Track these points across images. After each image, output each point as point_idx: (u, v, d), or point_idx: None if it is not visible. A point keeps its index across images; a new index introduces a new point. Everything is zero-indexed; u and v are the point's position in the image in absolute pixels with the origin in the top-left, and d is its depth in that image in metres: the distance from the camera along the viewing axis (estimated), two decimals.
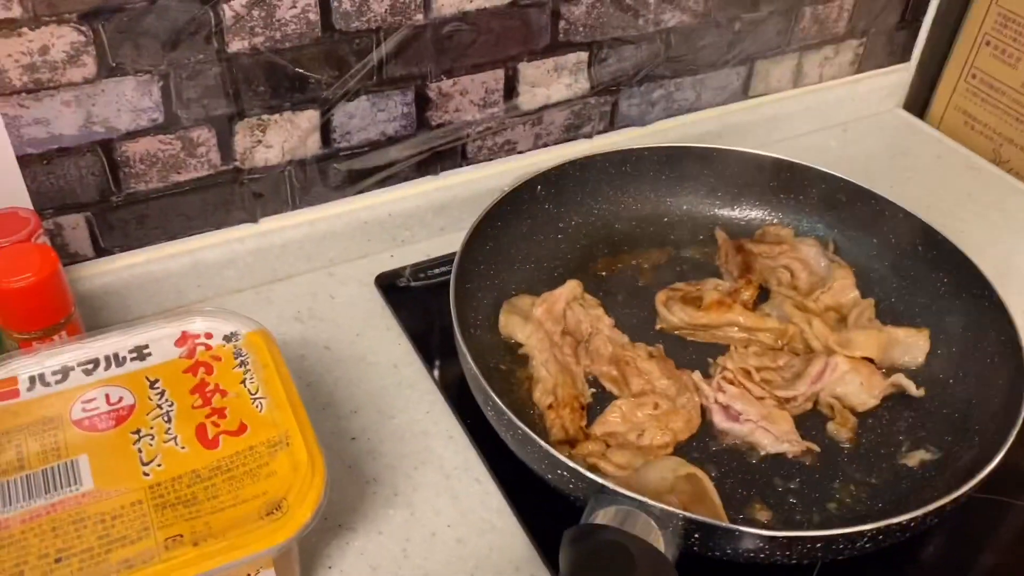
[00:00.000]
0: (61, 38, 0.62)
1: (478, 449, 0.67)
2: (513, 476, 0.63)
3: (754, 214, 0.86)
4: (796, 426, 0.66)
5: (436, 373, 0.73)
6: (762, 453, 0.65)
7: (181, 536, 0.46)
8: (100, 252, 0.73)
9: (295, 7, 0.69)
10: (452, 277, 0.69)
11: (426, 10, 0.75)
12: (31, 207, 0.68)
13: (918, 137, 1.07)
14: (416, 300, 0.81)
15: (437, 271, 0.83)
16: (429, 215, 0.86)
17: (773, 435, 0.64)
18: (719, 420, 0.66)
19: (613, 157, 0.84)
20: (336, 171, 0.79)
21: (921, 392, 0.69)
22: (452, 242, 0.84)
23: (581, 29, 0.83)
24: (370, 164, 0.81)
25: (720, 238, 0.83)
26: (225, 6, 0.66)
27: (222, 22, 0.67)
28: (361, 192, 0.82)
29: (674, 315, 0.74)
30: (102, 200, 0.71)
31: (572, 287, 0.75)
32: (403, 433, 0.68)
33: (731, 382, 0.67)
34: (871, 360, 0.70)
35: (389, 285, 0.81)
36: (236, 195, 0.76)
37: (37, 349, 0.55)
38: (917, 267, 0.79)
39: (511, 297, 0.76)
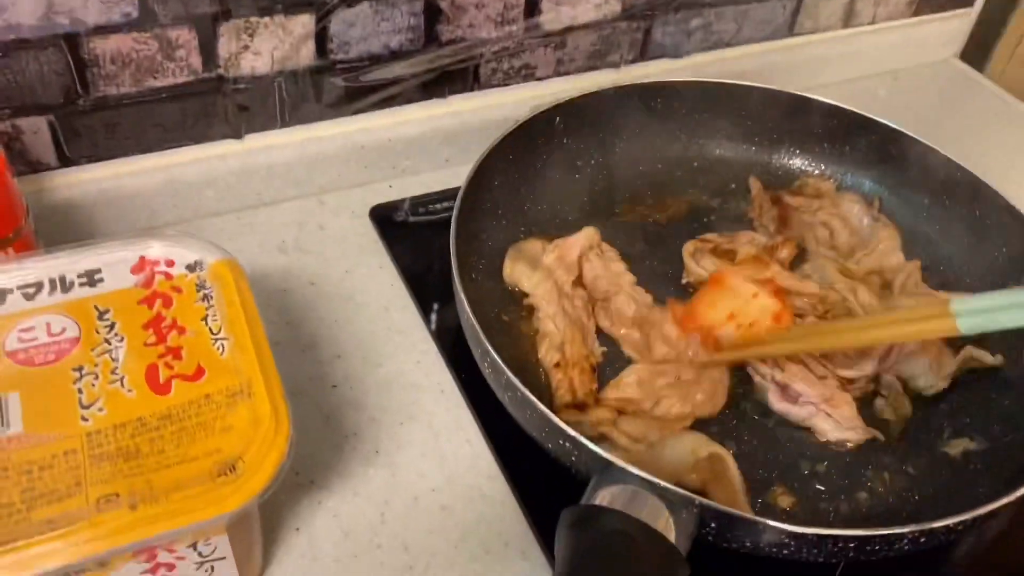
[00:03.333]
0: None
1: (472, 407, 0.60)
2: (509, 440, 0.57)
3: (794, 163, 0.78)
4: None
5: (431, 319, 0.66)
6: (822, 440, 0.58)
7: (117, 495, 0.40)
8: (65, 162, 0.66)
9: None
10: (454, 214, 0.62)
11: None
12: None
13: (976, 91, 0.98)
14: (414, 237, 0.73)
15: (439, 206, 0.75)
16: (434, 143, 0.78)
17: (835, 420, 0.57)
18: (775, 400, 0.59)
19: (643, 90, 0.76)
20: (332, 86, 0.71)
21: (999, 360, 0.62)
22: (458, 175, 0.76)
23: None
24: (370, 80, 0.72)
25: (755, 187, 0.75)
26: None
27: None
28: (359, 112, 0.74)
29: (703, 268, 0.67)
30: (67, 103, 0.63)
31: (589, 234, 0.68)
32: (390, 384, 0.62)
33: (791, 358, 0.60)
34: None
35: (385, 218, 0.74)
36: (219, 107, 0.68)
37: None
38: (970, 232, 0.71)
39: (519, 241, 0.68)
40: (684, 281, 0.68)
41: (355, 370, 0.62)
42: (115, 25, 0.61)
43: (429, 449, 0.58)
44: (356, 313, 0.66)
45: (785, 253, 0.69)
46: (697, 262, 0.67)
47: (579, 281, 0.66)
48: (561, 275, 0.65)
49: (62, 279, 0.49)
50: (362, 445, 0.58)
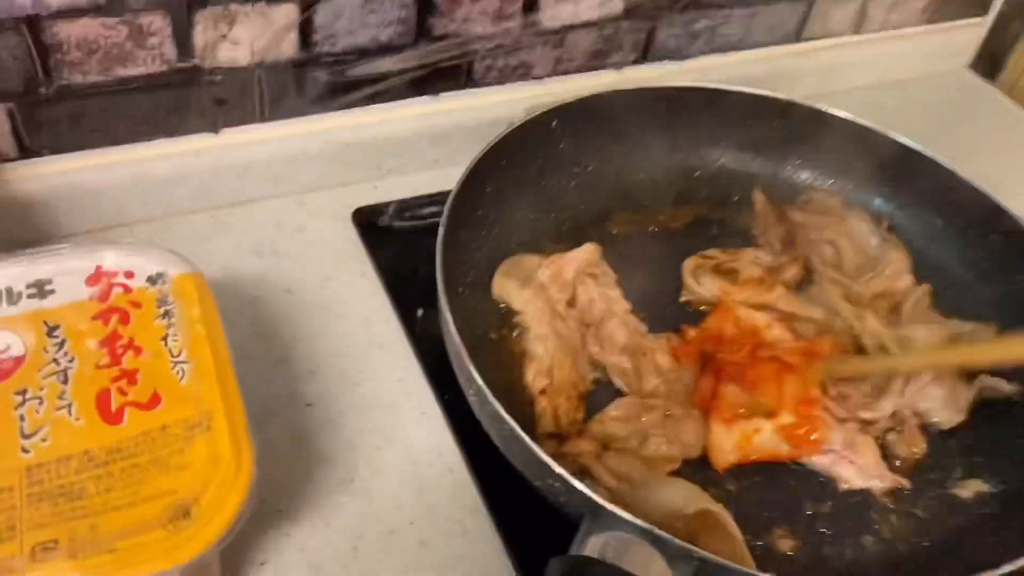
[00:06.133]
0: None
1: (455, 432, 0.56)
2: (495, 469, 0.52)
3: (800, 176, 0.74)
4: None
5: (414, 334, 0.62)
6: (844, 487, 0.54)
7: (56, 543, 0.36)
8: (25, 153, 0.61)
9: None
10: (442, 224, 0.57)
11: None
12: None
13: (988, 103, 0.94)
14: (399, 243, 0.69)
15: (426, 211, 0.70)
16: (422, 143, 0.73)
17: (858, 467, 0.53)
18: None
19: (645, 94, 0.71)
20: (315, 80, 0.67)
21: (1015, 388, 0.58)
22: (446, 178, 0.72)
23: None
24: (356, 75, 0.68)
25: (758, 201, 0.71)
26: None
27: None
28: (343, 108, 0.69)
29: (703, 287, 0.63)
30: (28, 91, 0.58)
31: (589, 252, 0.64)
32: (368, 403, 0.58)
33: None
34: None
35: (368, 223, 0.70)
36: (194, 99, 0.64)
37: None
38: (984, 254, 0.67)
39: (510, 252, 0.64)
40: (683, 300, 0.64)
41: (332, 387, 0.58)
42: (81, 8, 0.56)
43: (408, 477, 0.54)
44: (334, 325, 0.62)
45: (790, 274, 0.65)
46: (697, 280, 0.64)
47: (573, 301, 0.62)
48: (554, 293, 0.61)
49: (9, 290, 0.44)
50: (336, 471, 0.54)
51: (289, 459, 0.54)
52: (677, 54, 0.81)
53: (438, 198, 0.71)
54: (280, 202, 0.70)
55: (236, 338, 0.57)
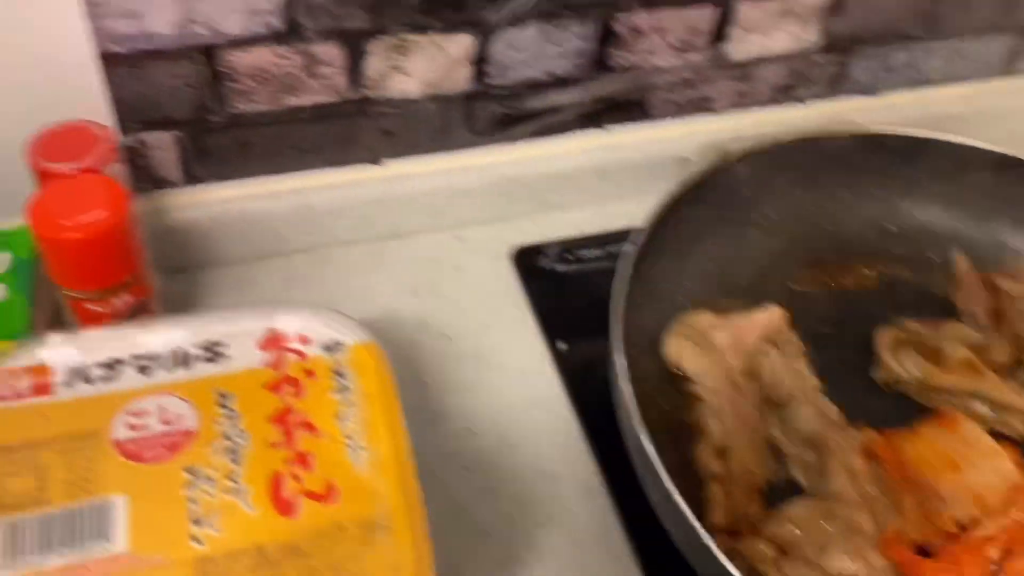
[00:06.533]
0: None
1: (620, 514, 0.52)
2: (665, 557, 0.48)
3: (1010, 240, 0.66)
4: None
5: (574, 391, 0.58)
6: None
7: None
8: (190, 180, 0.60)
9: None
10: (620, 280, 0.53)
11: None
12: (110, 118, 0.54)
13: None
14: (560, 288, 0.65)
15: (591, 254, 0.66)
16: (588, 178, 0.69)
17: None
18: None
19: (835, 139, 0.65)
20: (483, 113, 0.63)
21: None
22: (611, 215, 0.69)
23: None
24: (526, 108, 0.64)
25: (961, 266, 0.64)
26: None
27: None
28: (509, 141, 0.65)
29: (902, 366, 0.56)
30: (198, 119, 0.57)
31: (773, 317, 0.58)
32: (527, 471, 0.54)
33: None
34: None
35: (529, 264, 0.66)
36: (360, 130, 0.61)
37: (80, 332, 0.42)
38: None
39: (680, 307, 0.59)
40: (877, 377, 0.58)
41: (489, 449, 0.55)
42: (257, 37, 0.54)
43: (570, 562, 0.50)
44: (491, 378, 0.58)
45: (1001, 356, 0.58)
46: (896, 358, 0.57)
47: (753, 372, 0.57)
48: (733, 361, 0.56)
49: (183, 353, 0.42)
50: (495, 548, 0.50)
51: (446, 531, 0.50)
52: (869, 88, 0.73)
53: (603, 239, 0.68)
54: (439, 236, 0.67)
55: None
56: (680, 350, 0.57)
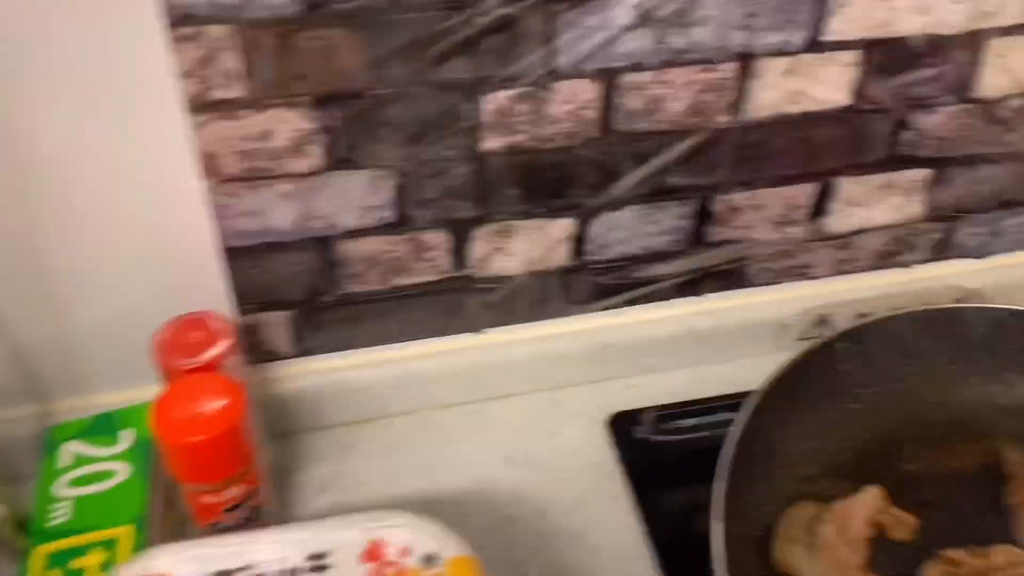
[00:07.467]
0: (286, 123, 0.51)
1: None
2: None
3: None
4: None
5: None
6: None
7: None
8: (301, 352, 0.63)
9: (570, 102, 0.54)
10: (719, 481, 0.52)
11: (735, 111, 0.57)
12: (229, 305, 0.57)
13: None
14: (657, 460, 0.64)
15: (688, 423, 0.66)
16: (685, 343, 0.69)
17: None
18: None
19: (940, 316, 0.63)
20: (582, 285, 0.64)
21: None
22: (706, 379, 0.69)
23: (931, 142, 0.63)
24: (624, 281, 0.65)
25: (1013, 462, 0.60)
26: (486, 98, 0.52)
27: (479, 115, 0.53)
28: (606, 310, 0.66)
29: None
30: (311, 299, 0.60)
31: (875, 497, 0.57)
32: None
33: None
34: None
35: (624, 432, 0.66)
36: (462, 304, 0.63)
37: (194, 543, 0.44)
38: None
39: (783, 493, 0.58)
40: None
41: None
42: (370, 228, 0.57)
43: None
44: (586, 560, 0.58)
45: None
46: None
47: (869, 564, 0.55)
48: (845, 554, 0.54)
49: (289, 568, 0.44)
50: None
51: None
52: (976, 252, 0.72)
53: (699, 407, 0.67)
54: (534, 399, 0.68)
55: (488, 567, 0.55)
56: (792, 557, 0.55)
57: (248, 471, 0.51)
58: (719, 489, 0.51)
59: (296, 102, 0.50)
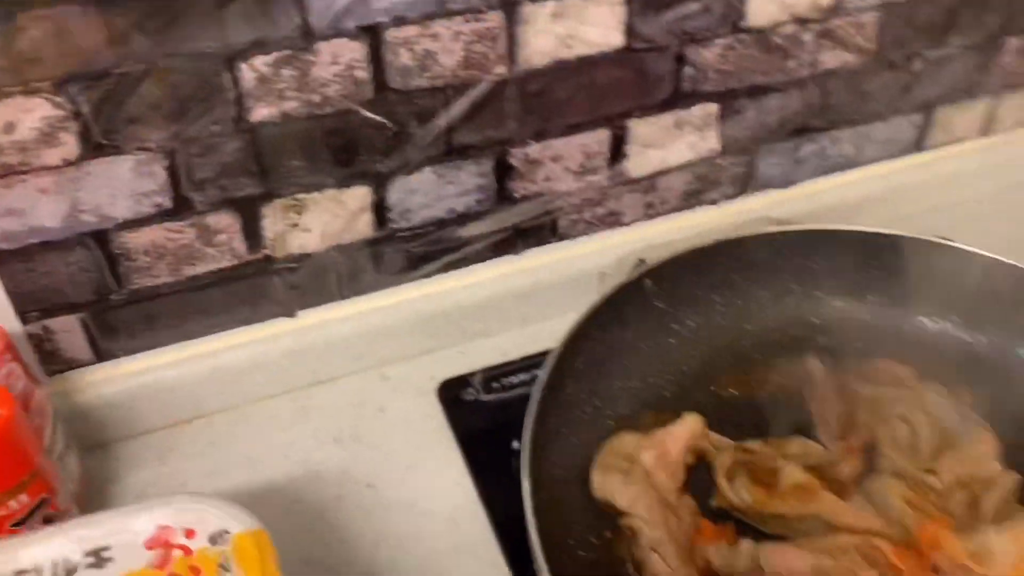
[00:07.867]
0: (29, 112, 0.48)
1: None
2: None
3: (930, 325, 0.66)
4: None
5: (504, 535, 0.57)
6: None
7: None
8: (100, 356, 0.60)
9: (337, 63, 0.53)
10: (528, 421, 0.52)
11: (510, 62, 0.57)
12: (7, 311, 0.54)
13: None
14: (487, 419, 0.64)
15: (515, 379, 0.66)
16: (508, 303, 0.69)
17: None
18: None
19: (741, 244, 0.65)
20: (392, 255, 0.63)
21: None
22: (535, 336, 0.69)
23: (712, 76, 0.64)
24: (435, 247, 0.64)
25: (815, 372, 0.62)
26: (244, 66, 0.51)
27: (240, 84, 0.51)
28: (422, 278, 0.66)
29: (736, 493, 0.55)
30: (100, 299, 0.57)
31: (691, 424, 0.57)
32: None
33: None
34: None
35: (454, 397, 0.65)
36: (267, 288, 0.61)
37: None
38: None
39: (605, 431, 0.58)
40: (714, 504, 0.55)
41: None
42: (147, 217, 0.55)
43: None
44: (419, 526, 0.57)
45: (848, 469, 0.55)
46: (732, 484, 0.55)
47: (687, 486, 0.56)
48: (663, 480, 0.55)
49: (65, 561, 0.41)
50: None
51: None
52: (782, 181, 0.74)
53: (527, 362, 0.67)
54: (362, 377, 0.67)
55: (317, 550, 0.54)
56: (608, 484, 0.55)
57: (31, 480, 0.48)
58: (526, 435, 0.51)
59: (35, 88, 0.47)
